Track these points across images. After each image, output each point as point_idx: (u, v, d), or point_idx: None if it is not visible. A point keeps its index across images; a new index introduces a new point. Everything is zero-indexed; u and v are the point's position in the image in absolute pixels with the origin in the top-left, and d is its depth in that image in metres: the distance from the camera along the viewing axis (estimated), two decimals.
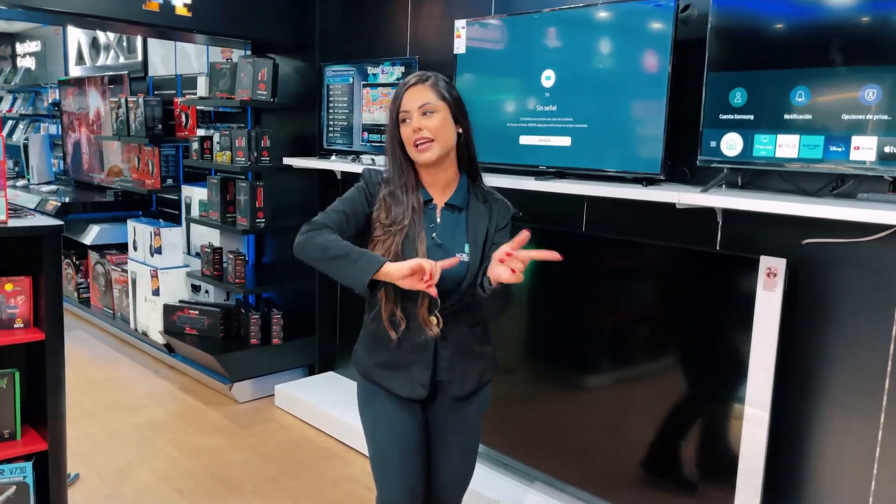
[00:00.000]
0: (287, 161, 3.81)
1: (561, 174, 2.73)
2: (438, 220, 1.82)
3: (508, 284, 1.62)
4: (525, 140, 2.80)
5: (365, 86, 3.54)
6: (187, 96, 4.56)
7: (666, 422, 2.51)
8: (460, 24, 3.00)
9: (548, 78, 2.70)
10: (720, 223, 2.42)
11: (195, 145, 4.13)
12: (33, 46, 7.13)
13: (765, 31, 2.15)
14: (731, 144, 2.25)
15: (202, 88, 4.30)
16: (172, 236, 4.40)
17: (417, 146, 1.74)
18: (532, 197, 2.80)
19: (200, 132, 4.48)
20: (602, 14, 2.54)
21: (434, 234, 1.80)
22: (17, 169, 6.70)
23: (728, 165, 2.29)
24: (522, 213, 2.99)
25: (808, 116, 2.08)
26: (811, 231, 2.19)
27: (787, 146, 2.14)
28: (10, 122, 7.28)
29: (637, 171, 2.49)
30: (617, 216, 2.72)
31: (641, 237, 2.61)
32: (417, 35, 3.50)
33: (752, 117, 2.20)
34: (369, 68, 3.51)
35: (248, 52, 4.24)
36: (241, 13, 3.74)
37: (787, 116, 2.12)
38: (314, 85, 3.85)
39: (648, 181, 2.46)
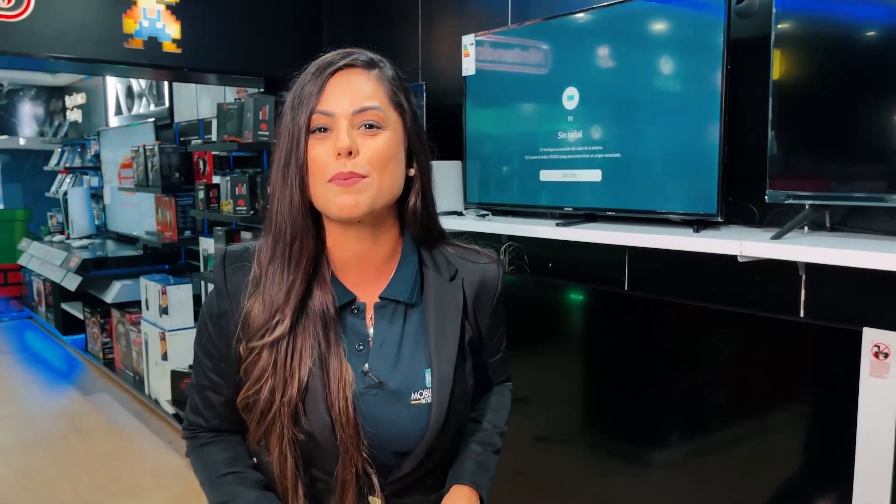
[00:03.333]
0: None
1: (591, 217, 2.16)
2: (371, 331, 1.04)
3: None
4: (546, 176, 2.24)
5: None
6: (193, 141, 4.22)
7: None
8: (468, 41, 2.49)
9: (570, 97, 2.15)
10: (804, 279, 1.79)
11: (201, 194, 3.76)
12: (79, 99, 7.10)
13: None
14: None
15: (216, 132, 3.95)
16: (180, 294, 4.02)
17: (336, 181, 0.95)
18: (557, 245, 2.23)
19: (216, 179, 4.13)
20: (630, 13, 1.98)
21: (366, 366, 1.01)
22: (59, 224, 6.59)
23: (810, 201, 1.66)
24: (551, 264, 2.44)
25: None
26: None
27: None
28: (58, 177, 7.24)
29: (685, 211, 1.89)
30: (669, 268, 2.12)
31: (701, 296, 1.99)
32: (429, 59, 3.01)
33: None
34: None
35: (261, 91, 3.87)
36: (239, 49, 3.36)
37: None
38: None
39: (701, 224, 1.85)
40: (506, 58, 2.38)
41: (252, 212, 3.41)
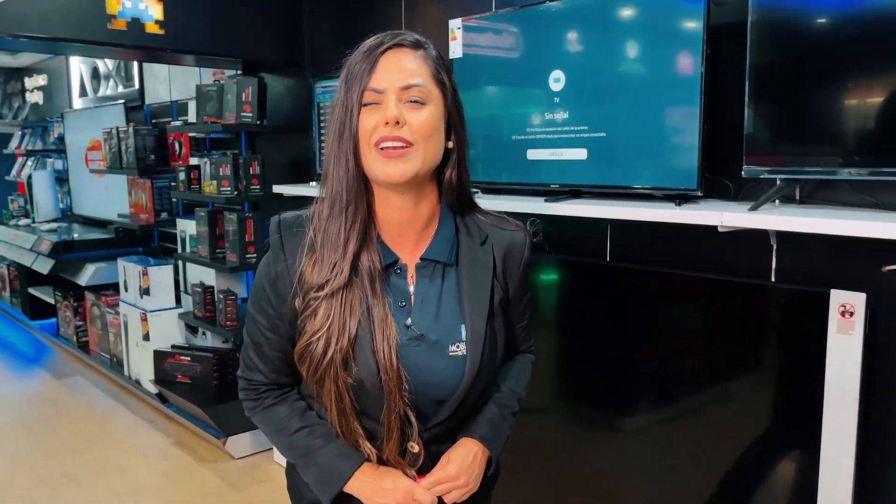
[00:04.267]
0: (277, 189, 3.44)
1: (576, 193, 2.29)
2: (412, 289, 1.15)
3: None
4: (533, 154, 2.36)
5: None
6: (171, 123, 4.23)
7: (716, 485, 2.03)
8: (455, 25, 2.59)
9: (556, 80, 2.27)
10: (774, 247, 1.95)
11: (182, 175, 3.79)
12: (40, 80, 6.96)
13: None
14: None
15: (193, 114, 3.98)
16: (162, 275, 4.05)
17: (384, 149, 1.06)
18: (544, 221, 2.36)
19: (193, 161, 4.15)
20: None
21: (409, 320, 1.13)
22: (26, 207, 6.49)
23: (783, 176, 1.82)
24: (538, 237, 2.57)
25: None
26: (894, 256, 1.71)
27: None
28: (18, 160, 7.09)
29: (668, 186, 2.03)
30: (647, 241, 2.26)
31: (678, 266, 2.14)
32: None
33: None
34: None
35: (239, 72, 3.90)
36: (221, 30, 3.39)
37: None
38: (306, 104, 3.48)
39: (682, 198, 2.00)
40: (493, 42, 2.48)
41: (236, 192, 3.46)
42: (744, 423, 1.95)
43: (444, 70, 1.12)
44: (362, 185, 1.10)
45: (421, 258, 1.15)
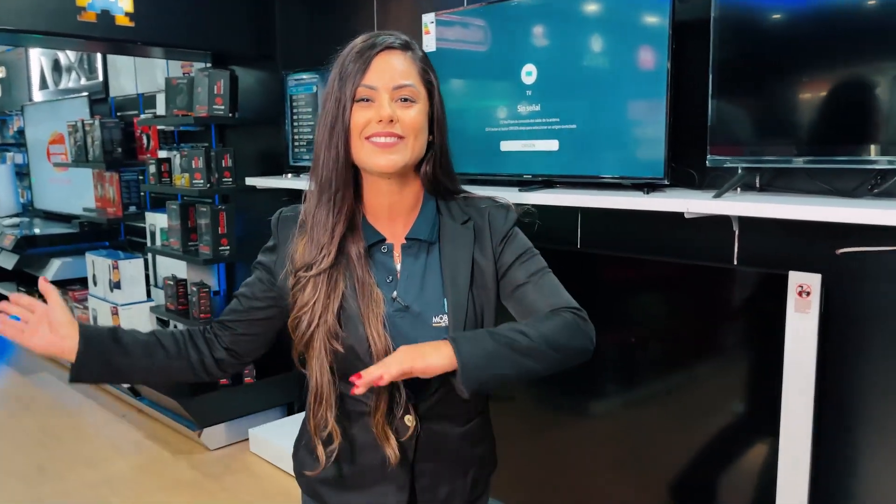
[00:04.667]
0: (250, 181, 3.46)
1: (549, 183, 2.37)
2: (398, 266, 1.23)
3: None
4: (507, 146, 2.44)
5: None
6: (141, 116, 4.21)
7: (684, 461, 2.14)
8: (428, 19, 2.65)
9: (528, 73, 2.35)
10: (737, 233, 2.06)
11: (152, 168, 3.79)
12: None
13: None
14: None
15: (161, 107, 3.97)
16: (132, 269, 4.04)
17: (377, 141, 1.14)
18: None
19: (162, 154, 4.14)
20: None
21: (395, 293, 1.21)
22: None
23: (743, 165, 1.93)
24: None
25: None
26: (847, 239, 1.83)
27: None
28: None
29: (636, 176, 2.13)
30: (616, 228, 2.36)
31: (645, 252, 2.25)
32: None
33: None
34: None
35: (209, 65, 3.90)
36: (192, 22, 3.40)
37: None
38: (278, 97, 3.51)
39: (650, 187, 2.10)
40: (465, 36, 2.55)
41: (209, 185, 3.47)
42: (709, 398, 2.06)
43: (430, 70, 1.22)
44: (351, 174, 1.19)
45: (406, 238, 1.24)
